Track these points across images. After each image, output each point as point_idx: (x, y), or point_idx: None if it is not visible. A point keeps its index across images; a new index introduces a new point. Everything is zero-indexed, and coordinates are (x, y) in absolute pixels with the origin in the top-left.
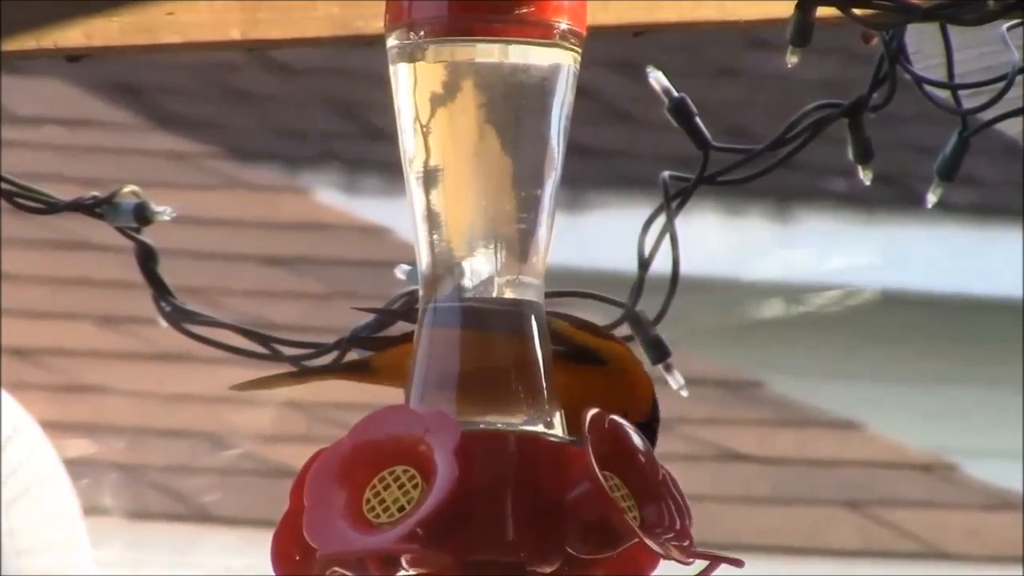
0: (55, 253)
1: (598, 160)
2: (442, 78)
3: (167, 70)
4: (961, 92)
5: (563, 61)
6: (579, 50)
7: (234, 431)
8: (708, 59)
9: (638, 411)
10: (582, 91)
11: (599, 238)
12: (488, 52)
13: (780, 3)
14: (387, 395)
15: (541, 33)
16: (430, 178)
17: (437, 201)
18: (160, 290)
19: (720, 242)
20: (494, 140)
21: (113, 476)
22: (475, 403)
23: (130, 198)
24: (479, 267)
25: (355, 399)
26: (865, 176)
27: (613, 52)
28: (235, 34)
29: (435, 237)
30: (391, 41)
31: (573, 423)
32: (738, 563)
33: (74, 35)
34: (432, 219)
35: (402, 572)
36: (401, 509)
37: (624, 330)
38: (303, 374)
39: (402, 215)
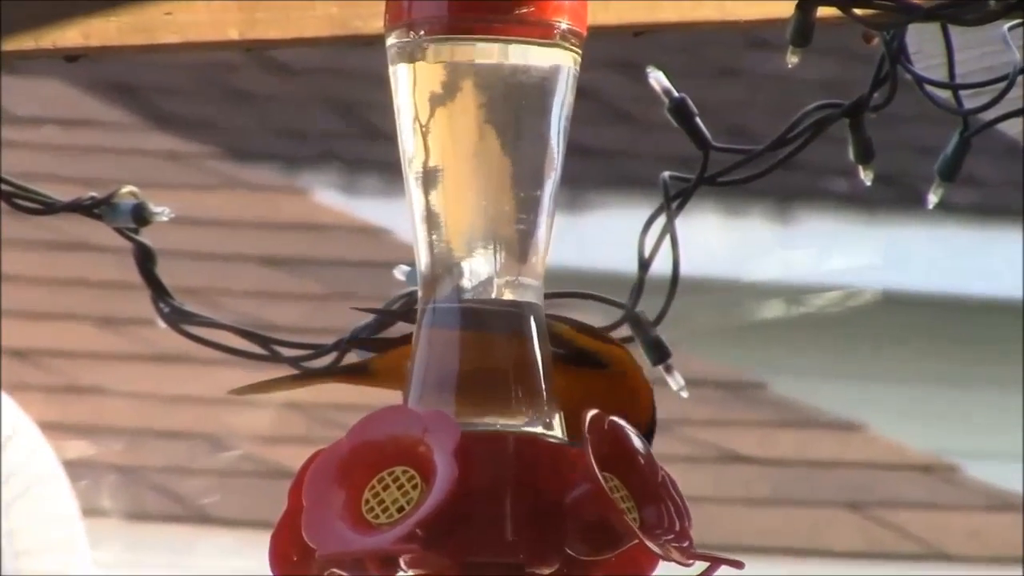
0: (53, 254)
1: (598, 160)
2: (442, 78)
3: (165, 70)
4: (962, 92)
5: (563, 61)
6: (579, 50)
7: (233, 432)
8: (708, 59)
9: (637, 416)
10: (582, 91)
11: (599, 238)
12: (488, 52)
13: (780, 3)
14: (386, 397)
15: (541, 33)
16: (429, 178)
17: (436, 201)
18: (158, 291)
19: (720, 242)
20: (494, 140)
21: (112, 477)
22: (474, 404)
23: (128, 198)
24: (478, 268)
25: (354, 400)
26: (866, 176)
27: (613, 52)
28: (233, 34)
29: (434, 238)
30: (390, 41)
31: (573, 426)
32: (738, 564)
33: (72, 35)
34: (431, 219)
35: (401, 573)
36: (400, 510)
37: (624, 331)
38: (302, 377)
39: (401, 216)
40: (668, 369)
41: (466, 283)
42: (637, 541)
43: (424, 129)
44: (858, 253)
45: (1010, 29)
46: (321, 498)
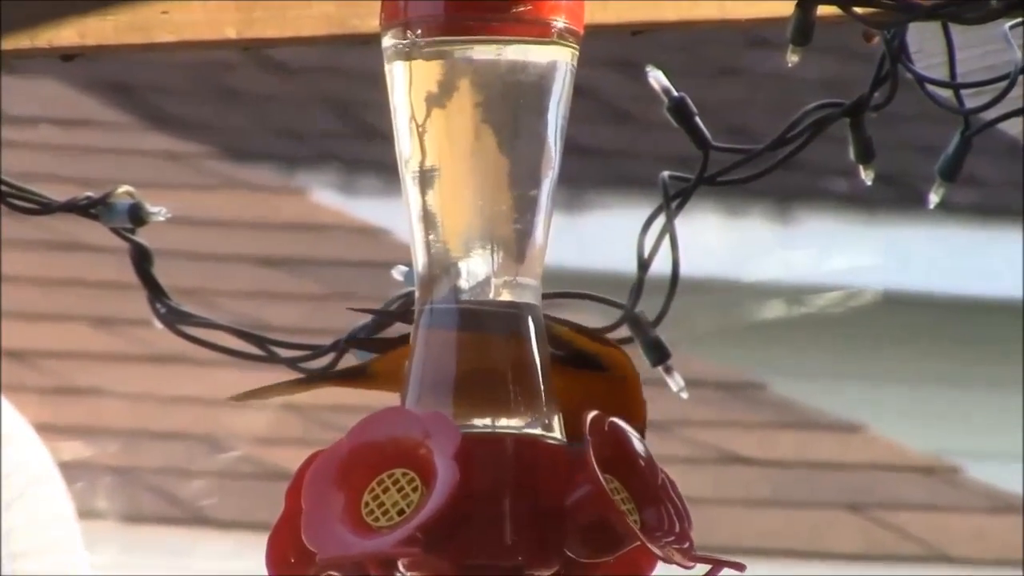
0: (49, 254)
1: (597, 160)
2: (438, 77)
3: (162, 69)
4: (963, 91)
5: (561, 60)
6: (577, 49)
7: (230, 434)
8: (708, 58)
9: (633, 422)
10: (581, 90)
11: (598, 238)
12: (485, 51)
13: (780, 2)
14: (386, 399)
15: (538, 32)
16: (426, 178)
17: (433, 201)
18: (155, 291)
19: (720, 242)
20: (491, 139)
21: (108, 479)
22: (472, 405)
23: (125, 198)
24: (475, 268)
25: (353, 402)
26: (866, 176)
27: (612, 51)
28: (230, 33)
29: (431, 238)
30: (387, 40)
31: (572, 428)
32: (739, 566)
33: (68, 34)
34: (428, 219)
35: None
36: (400, 512)
37: (623, 331)
38: (301, 382)
39: (400, 216)
40: (668, 370)
41: (463, 283)
42: (638, 543)
43: (420, 128)
44: (858, 253)
45: (1011, 28)
46: (320, 500)
